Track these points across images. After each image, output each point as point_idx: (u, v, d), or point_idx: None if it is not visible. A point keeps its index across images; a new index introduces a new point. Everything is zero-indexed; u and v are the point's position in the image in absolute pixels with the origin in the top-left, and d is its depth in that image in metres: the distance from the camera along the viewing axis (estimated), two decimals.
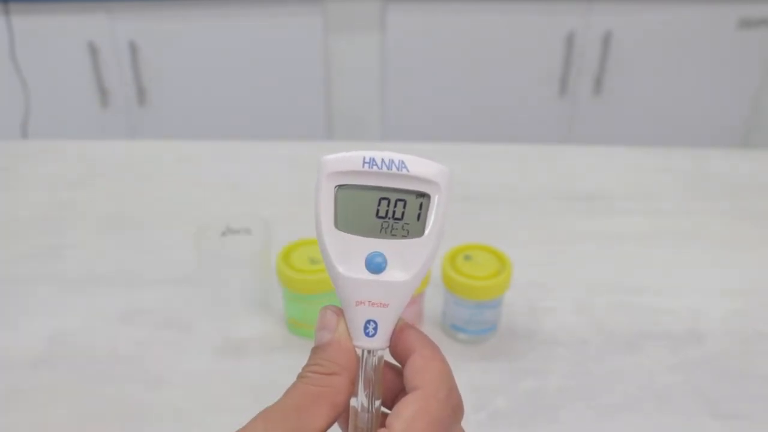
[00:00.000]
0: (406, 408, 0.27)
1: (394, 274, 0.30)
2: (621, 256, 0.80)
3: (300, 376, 0.30)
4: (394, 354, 0.31)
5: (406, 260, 0.30)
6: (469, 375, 0.62)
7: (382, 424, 0.28)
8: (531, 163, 1.01)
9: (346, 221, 0.30)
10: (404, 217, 0.30)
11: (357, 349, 0.31)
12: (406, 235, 0.30)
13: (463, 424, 0.58)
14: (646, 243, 0.82)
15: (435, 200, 0.30)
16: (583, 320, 0.69)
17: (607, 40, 1.79)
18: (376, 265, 0.30)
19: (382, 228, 0.30)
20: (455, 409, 0.28)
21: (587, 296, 0.73)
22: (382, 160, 0.29)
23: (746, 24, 1.78)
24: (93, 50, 1.80)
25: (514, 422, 0.58)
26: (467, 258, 0.64)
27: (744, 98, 1.91)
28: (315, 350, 0.30)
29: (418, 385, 0.28)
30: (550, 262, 0.78)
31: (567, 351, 0.65)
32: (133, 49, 1.81)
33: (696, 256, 0.80)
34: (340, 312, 0.31)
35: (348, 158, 0.30)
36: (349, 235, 0.30)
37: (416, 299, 0.65)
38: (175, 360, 0.64)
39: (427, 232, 0.30)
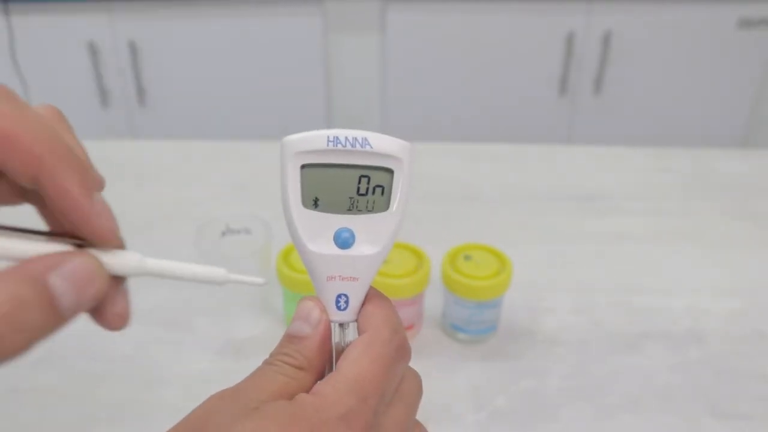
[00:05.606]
0: (354, 349, 0.29)
1: (362, 248, 0.31)
2: (621, 256, 0.80)
3: (268, 363, 0.30)
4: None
5: (373, 234, 0.31)
6: (469, 375, 0.62)
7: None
8: (531, 163, 1.01)
9: (312, 199, 0.31)
10: (369, 193, 0.31)
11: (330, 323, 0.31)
12: (372, 209, 0.31)
13: (463, 423, 0.57)
14: (646, 243, 0.82)
15: (398, 175, 0.31)
16: (583, 320, 0.69)
17: (607, 40, 1.79)
18: (344, 241, 0.31)
19: (349, 204, 0.31)
20: (399, 349, 0.30)
21: (587, 296, 0.73)
22: (346, 138, 0.30)
23: (746, 24, 1.78)
24: (93, 50, 1.80)
25: (514, 422, 0.58)
26: (467, 258, 0.64)
27: (744, 98, 1.91)
28: (289, 338, 0.30)
29: (364, 329, 0.30)
30: (550, 262, 0.78)
31: (567, 351, 0.65)
32: (133, 49, 1.81)
33: (696, 256, 0.80)
34: (324, 309, 0.31)
35: (312, 137, 0.30)
36: (317, 212, 0.31)
37: (416, 299, 0.65)
38: (175, 360, 0.64)
39: (392, 206, 0.31)
